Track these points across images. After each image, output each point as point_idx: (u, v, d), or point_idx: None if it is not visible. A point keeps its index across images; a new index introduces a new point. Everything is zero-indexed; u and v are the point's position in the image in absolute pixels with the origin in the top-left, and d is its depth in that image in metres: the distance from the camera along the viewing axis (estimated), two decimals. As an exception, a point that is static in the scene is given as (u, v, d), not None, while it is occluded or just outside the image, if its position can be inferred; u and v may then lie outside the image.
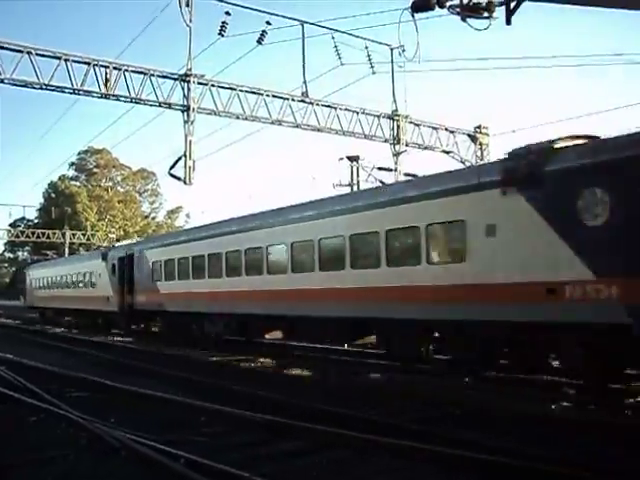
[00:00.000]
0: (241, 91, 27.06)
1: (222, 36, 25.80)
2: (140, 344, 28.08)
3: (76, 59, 24.00)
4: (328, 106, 29.19)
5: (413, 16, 13.12)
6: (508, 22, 11.48)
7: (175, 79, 25.52)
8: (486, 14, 11.61)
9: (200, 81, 25.86)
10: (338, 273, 18.09)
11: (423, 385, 14.67)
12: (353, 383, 15.67)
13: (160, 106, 25.75)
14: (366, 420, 10.45)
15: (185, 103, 25.49)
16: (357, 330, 18.88)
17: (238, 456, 8.61)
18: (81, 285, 40.50)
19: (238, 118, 27.33)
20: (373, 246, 17.05)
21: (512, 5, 11.26)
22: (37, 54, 23.37)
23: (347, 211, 18.17)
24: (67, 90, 24.16)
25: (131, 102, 25.45)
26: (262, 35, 26.46)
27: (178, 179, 25.50)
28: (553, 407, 11.81)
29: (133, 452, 8.63)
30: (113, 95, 24.81)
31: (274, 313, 21.00)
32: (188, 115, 25.48)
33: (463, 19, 11.74)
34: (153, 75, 25.29)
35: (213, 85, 26.42)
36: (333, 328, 19.01)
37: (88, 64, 24.13)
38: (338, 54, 28.52)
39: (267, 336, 22.81)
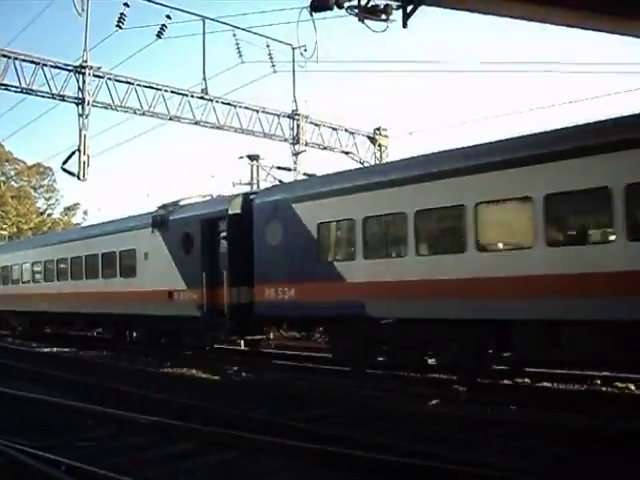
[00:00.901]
0: (139, 85, 26.44)
1: (120, 28, 25.12)
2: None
3: (-40, 46, 22.88)
4: (228, 104, 28.95)
5: (312, 15, 13.04)
6: (404, 25, 11.60)
7: (70, 70, 24.67)
8: (384, 16, 11.72)
9: (96, 73, 25.11)
10: None
11: (313, 384, 14.69)
12: (244, 382, 15.50)
13: (53, 98, 24.82)
14: (255, 420, 10.34)
15: (80, 96, 24.69)
16: None
17: (124, 460, 8.38)
18: (98, 275, 24.77)
19: (135, 113, 26.70)
20: None
21: (409, 9, 11.36)
22: None
23: None
24: (-50, 78, 22.99)
25: (22, 92, 24.40)
26: (162, 29, 25.92)
27: (72, 174, 24.71)
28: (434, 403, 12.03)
29: (10, 460, 8.18)
30: (2, 84, 23.76)
31: None
32: (83, 108, 24.71)
33: (361, 20, 11.79)
34: (46, 65, 24.36)
35: (110, 78, 25.69)
36: None
37: (-27, 51, 23.06)
38: (239, 52, 28.29)
39: None
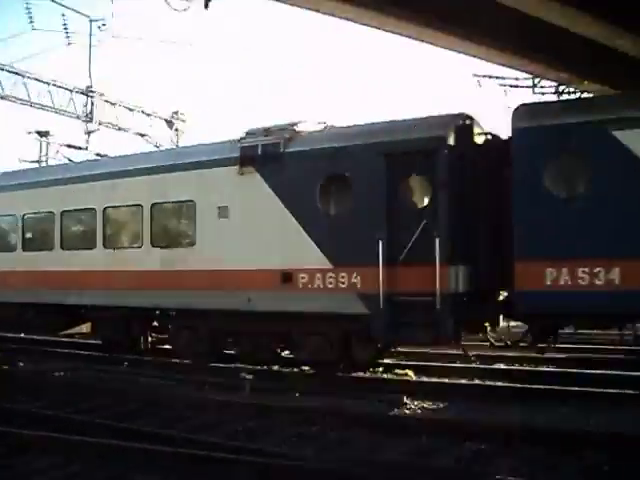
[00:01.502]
0: None
1: None
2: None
3: None
4: (15, 73, 27.05)
5: (109, -14, 12.64)
6: (206, 6, 11.60)
7: None
8: (186, -5, 11.63)
9: None
10: None
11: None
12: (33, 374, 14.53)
13: None
14: (27, 414, 9.72)
15: None
16: None
17: None
18: (94, 243, 15.78)
19: None
20: None
21: (211, -10, 11.39)
22: None
23: None
24: None
25: None
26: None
27: None
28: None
29: None
30: None
31: None
32: None
33: (162, -3, 11.62)
34: None
35: None
36: None
37: None
38: (30, 17, 26.69)
39: None
